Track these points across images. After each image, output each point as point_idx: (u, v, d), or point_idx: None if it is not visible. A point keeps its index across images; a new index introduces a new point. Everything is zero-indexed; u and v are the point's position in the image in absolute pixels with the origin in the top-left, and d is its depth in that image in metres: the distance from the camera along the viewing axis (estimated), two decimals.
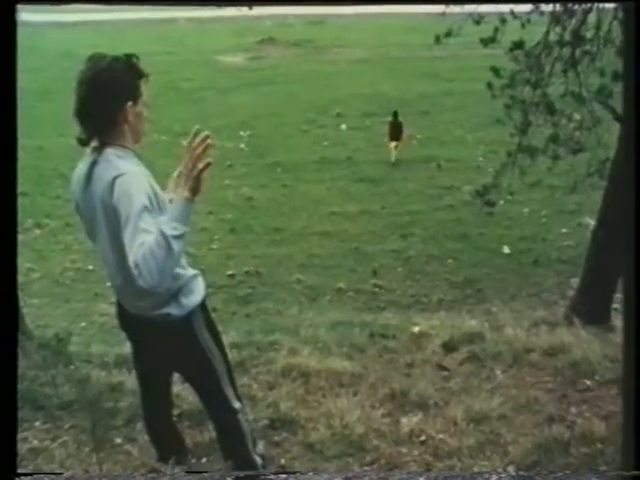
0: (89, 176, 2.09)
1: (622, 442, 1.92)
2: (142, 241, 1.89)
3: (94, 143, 2.10)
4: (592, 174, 5.08)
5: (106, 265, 2.20)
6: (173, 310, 2.16)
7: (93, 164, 2.08)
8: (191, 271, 2.24)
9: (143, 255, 1.86)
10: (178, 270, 2.12)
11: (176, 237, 1.90)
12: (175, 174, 2.23)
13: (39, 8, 14.35)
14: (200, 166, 1.95)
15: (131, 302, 2.21)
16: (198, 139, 1.97)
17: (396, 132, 10.18)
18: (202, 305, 2.27)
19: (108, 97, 2.04)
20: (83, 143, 2.12)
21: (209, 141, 1.97)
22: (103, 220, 2.06)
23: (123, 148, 2.09)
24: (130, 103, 2.07)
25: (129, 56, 2.10)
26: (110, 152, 2.06)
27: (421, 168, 10.08)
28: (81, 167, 2.15)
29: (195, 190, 1.96)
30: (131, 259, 1.87)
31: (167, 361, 2.35)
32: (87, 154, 2.13)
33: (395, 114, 10.26)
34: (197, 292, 2.24)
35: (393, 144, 10.13)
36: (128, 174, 1.99)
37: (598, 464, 2.56)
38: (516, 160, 5.28)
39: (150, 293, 1.96)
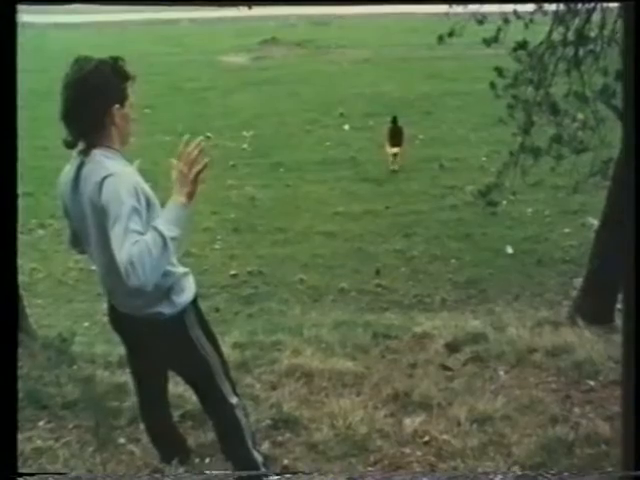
0: (77, 178, 2.10)
1: (622, 443, 1.92)
2: (136, 239, 1.90)
3: (81, 146, 2.11)
4: (595, 174, 5.07)
5: (97, 266, 2.20)
6: (165, 308, 2.17)
7: (80, 166, 2.10)
8: (181, 269, 2.24)
9: (139, 253, 1.88)
10: (169, 268, 2.13)
11: (172, 238, 1.94)
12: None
13: (43, 9, 14.38)
14: (195, 170, 1.98)
15: (123, 302, 2.21)
16: (192, 145, 2.00)
17: (396, 138, 9.74)
18: (194, 303, 2.27)
19: (94, 100, 2.05)
20: (70, 145, 2.13)
21: (202, 145, 2.02)
22: (92, 221, 2.07)
23: (111, 149, 2.10)
24: (117, 106, 2.08)
25: (115, 59, 2.11)
26: (98, 153, 2.08)
27: (424, 168, 10.06)
28: (68, 170, 2.16)
29: (192, 194, 2.01)
30: (124, 257, 1.89)
31: (161, 360, 2.35)
32: (73, 157, 2.14)
33: (394, 119, 9.84)
34: (188, 290, 2.24)
35: (393, 150, 9.76)
36: (117, 174, 2.00)
37: (603, 465, 2.55)
38: (519, 160, 5.26)
39: (140, 292, 1.98)
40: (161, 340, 2.23)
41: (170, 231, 1.94)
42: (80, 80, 2.04)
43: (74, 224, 2.21)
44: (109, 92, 2.07)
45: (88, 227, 2.11)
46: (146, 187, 2.07)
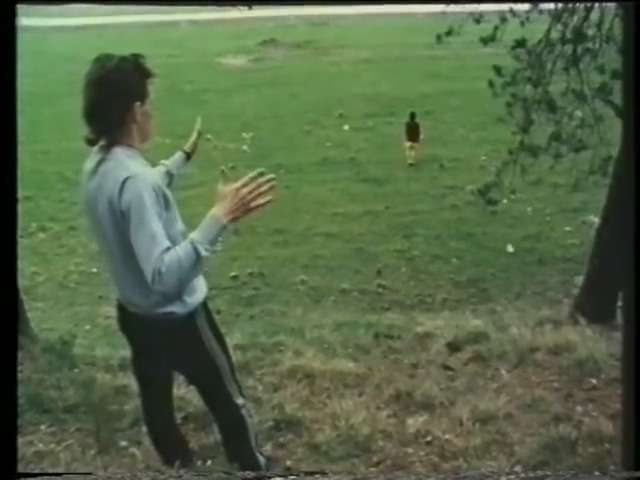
0: (94, 172, 2.08)
1: (623, 441, 1.91)
2: (167, 246, 1.89)
3: (102, 142, 2.10)
4: (595, 172, 5.07)
5: (111, 262, 2.18)
6: (176, 308, 2.16)
7: (100, 161, 2.07)
8: None
9: (170, 263, 1.87)
10: None
11: (205, 257, 1.92)
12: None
13: (42, 13, 14.39)
14: (256, 203, 1.94)
15: (134, 300, 2.20)
16: (265, 178, 1.95)
17: (413, 133, 10.14)
18: (204, 303, 2.27)
19: (116, 98, 2.02)
20: (91, 143, 2.11)
21: (273, 183, 1.95)
22: (109, 219, 2.04)
23: (131, 148, 2.08)
24: (138, 103, 2.06)
25: (136, 56, 2.08)
26: (119, 151, 2.05)
27: (424, 168, 10.08)
28: (88, 164, 2.14)
29: (236, 220, 1.96)
30: (152, 264, 1.87)
31: (170, 361, 2.34)
32: (94, 152, 2.12)
33: (412, 115, 10.24)
34: (200, 290, 2.23)
35: (409, 145, 10.10)
36: (138, 177, 1.97)
37: (606, 464, 2.54)
38: (518, 158, 5.27)
39: (154, 291, 1.97)
40: (170, 340, 2.21)
41: (207, 251, 1.91)
42: (102, 77, 2.01)
43: (89, 217, 2.18)
44: (131, 89, 2.05)
45: (104, 223, 2.08)
46: (162, 184, 2.05)
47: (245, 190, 1.94)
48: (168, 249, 1.90)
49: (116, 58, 2.04)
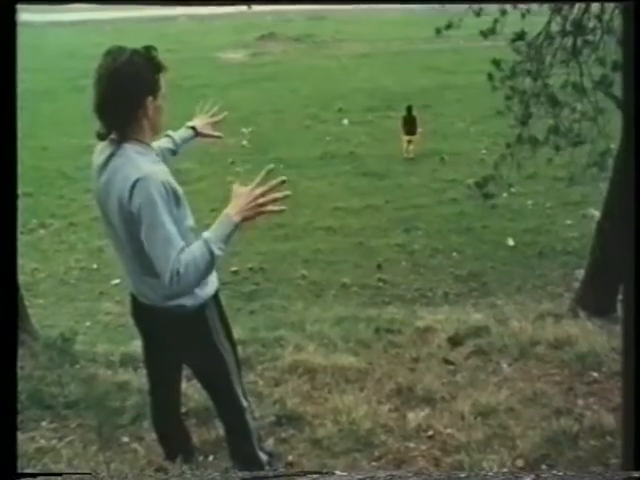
0: (104, 166, 2.05)
1: (623, 435, 1.91)
2: (181, 246, 1.89)
3: (112, 136, 2.06)
4: (591, 165, 5.05)
5: (121, 255, 2.16)
6: (187, 301, 2.14)
7: (110, 156, 2.04)
8: None
9: (186, 263, 1.87)
10: None
11: (218, 255, 1.93)
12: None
13: (40, 8, 14.35)
14: (271, 209, 1.94)
15: (145, 292, 2.19)
16: (276, 181, 1.93)
17: (410, 127, 10.15)
18: (215, 297, 2.26)
19: (128, 92, 1.99)
20: (102, 138, 2.07)
21: (287, 192, 1.94)
22: (119, 216, 2.01)
23: (142, 144, 2.05)
24: (150, 97, 2.02)
25: (148, 49, 2.04)
26: (129, 147, 2.02)
27: (424, 162, 10.06)
28: (98, 157, 2.10)
29: (248, 220, 1.96)
30: (169, 265, 1.87)
31: (179, 354, 2.33)
32: (104, 145, 2.08)
33: (409, 109, 10.23)
34: (211, 283, 2.22)
35: (407, 139, 10.11)
36: (148, 178, 1.94)
37: (608, 457, 2.54)
38: (515, 152, 5.25)
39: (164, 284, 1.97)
40: (180, 332, 2.20)
41: (220, 250, 1.92)
42: (114, 71, 1.97)
43: (99, 210, 2.15)
44: (142, 83, 2.01)
45: (114, 219, 2.05)
46: (173, 181, 2.01)
47: (258, 191, 1.93)
48: (183, 249, 1.90)
49: (128, 51, 2.00)
